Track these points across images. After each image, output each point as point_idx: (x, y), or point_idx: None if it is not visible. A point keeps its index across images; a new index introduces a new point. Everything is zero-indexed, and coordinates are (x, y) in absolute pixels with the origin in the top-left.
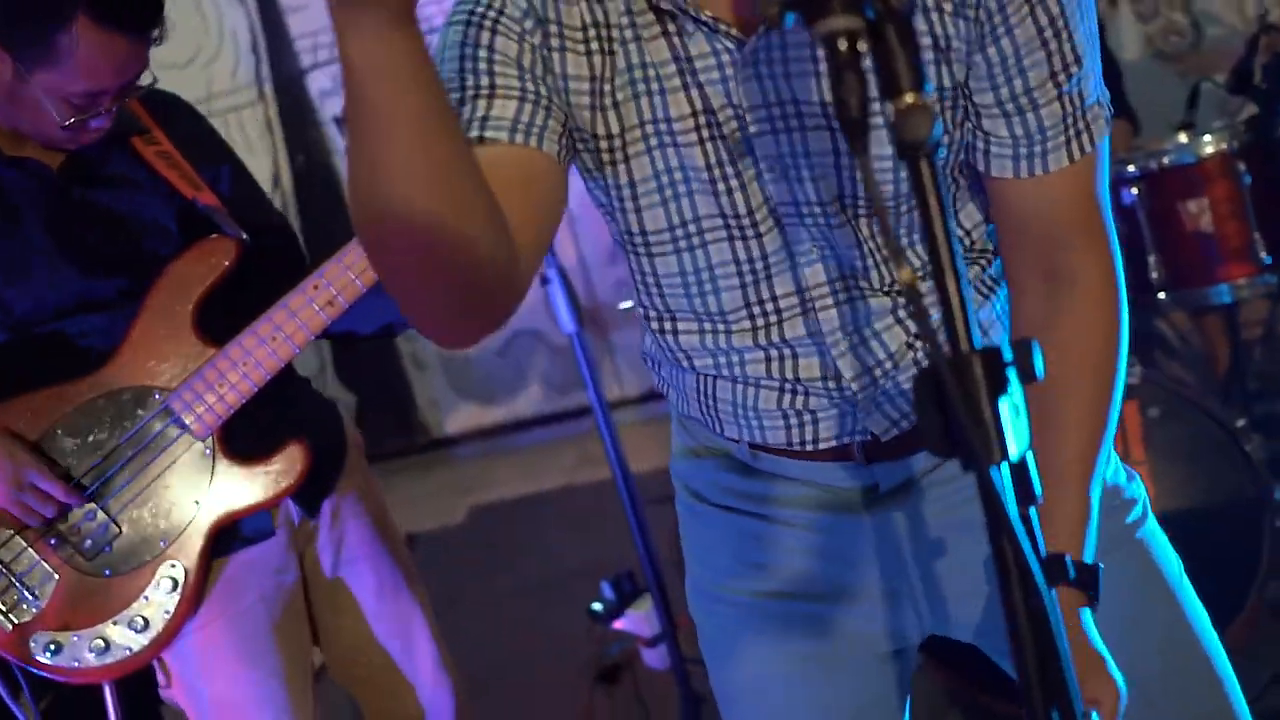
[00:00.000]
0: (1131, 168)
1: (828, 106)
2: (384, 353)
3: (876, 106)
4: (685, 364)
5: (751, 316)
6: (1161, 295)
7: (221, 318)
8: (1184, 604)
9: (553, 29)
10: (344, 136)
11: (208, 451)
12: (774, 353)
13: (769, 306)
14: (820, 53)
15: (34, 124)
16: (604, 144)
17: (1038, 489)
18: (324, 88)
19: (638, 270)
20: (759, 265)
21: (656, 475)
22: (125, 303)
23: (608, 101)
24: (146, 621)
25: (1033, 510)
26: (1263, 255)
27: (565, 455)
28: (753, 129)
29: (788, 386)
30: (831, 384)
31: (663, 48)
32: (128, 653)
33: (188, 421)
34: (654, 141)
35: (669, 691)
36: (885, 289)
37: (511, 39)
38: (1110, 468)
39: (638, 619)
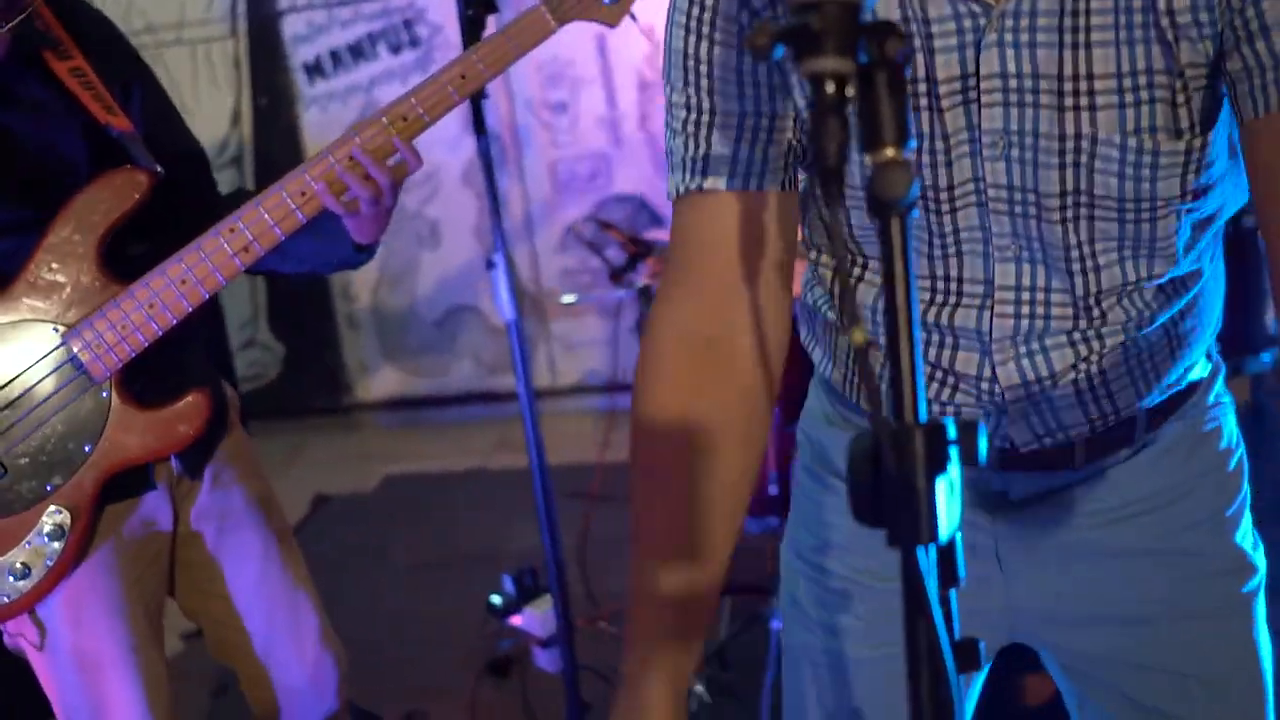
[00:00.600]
0: None
1: (1063, 82)
2: (319, 308)
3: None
4: (834, 322)
5: (932, 290)
6: None
7: (132, 255)
8: (1266, 688)
9: (779, 8)
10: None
11: (105, 394)
12: (936, 336)
13: (951, 286)
14: (1070, 23)
15: None
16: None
17: (961, 571)
18: (298, 32)
19: (830, 215)
20: (949, 242)
21: (573, 470)
22: (29, 233)
23: None
24: (27, 568)
25: (953, 593)
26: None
27: (487, 436)
28: (984, 99)
29: (939, 375)
30: (985, 385)
31: (893, 5)
32: (4, 600)
33: (85, 361)
34: None
35: (557, 694)
36: (1076, 302)
37: (727, 45)
38: (1242, 530)
39: (535, 618)
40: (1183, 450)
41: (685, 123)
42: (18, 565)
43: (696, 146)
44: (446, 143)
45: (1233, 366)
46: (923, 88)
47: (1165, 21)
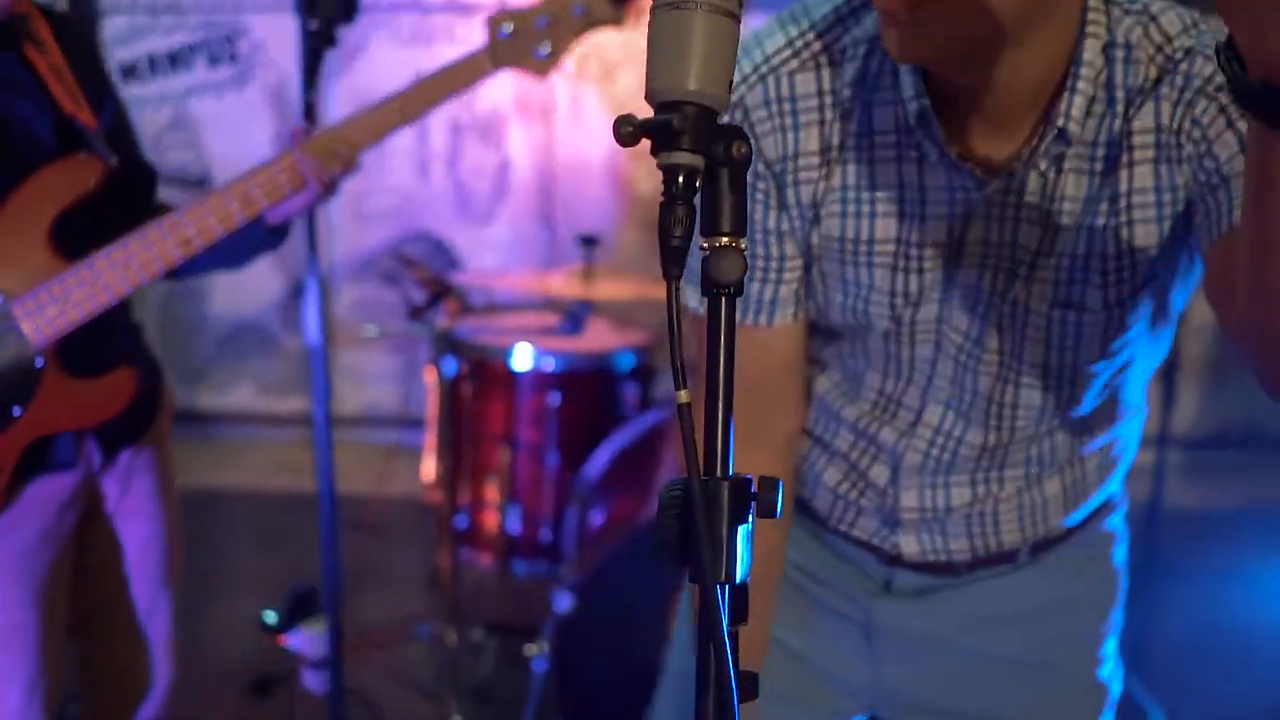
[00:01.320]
0: None
1: (1018, 251)
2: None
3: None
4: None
5: (874, 403)
6: None
7: (79, 237)
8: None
9: (788, 165)
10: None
11: (40, 362)
12: (863, 441)
13: (890, 405)
14: (1050, 202)
15: None
16: (815, 249)
17: (747, 613)
18: (118, 32)
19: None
20: (904, 368)
21: (347, 499)
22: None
23: (823, 214)
24: None
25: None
26: None
27: (260, 457)
28: (966, 260)
29: (853, 475)
30: (888, 499)
31: (890, 170)
32: None
33: (25, 329)
34: (841, 252)
35: (321, 716)
36: (984, 451)
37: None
38: (1107, 653)
39: (307, 638)
40: (1067, 571)
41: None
42: None
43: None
44: (253, 159)
45: None
46: (903, 248)
47: (1123, 205)
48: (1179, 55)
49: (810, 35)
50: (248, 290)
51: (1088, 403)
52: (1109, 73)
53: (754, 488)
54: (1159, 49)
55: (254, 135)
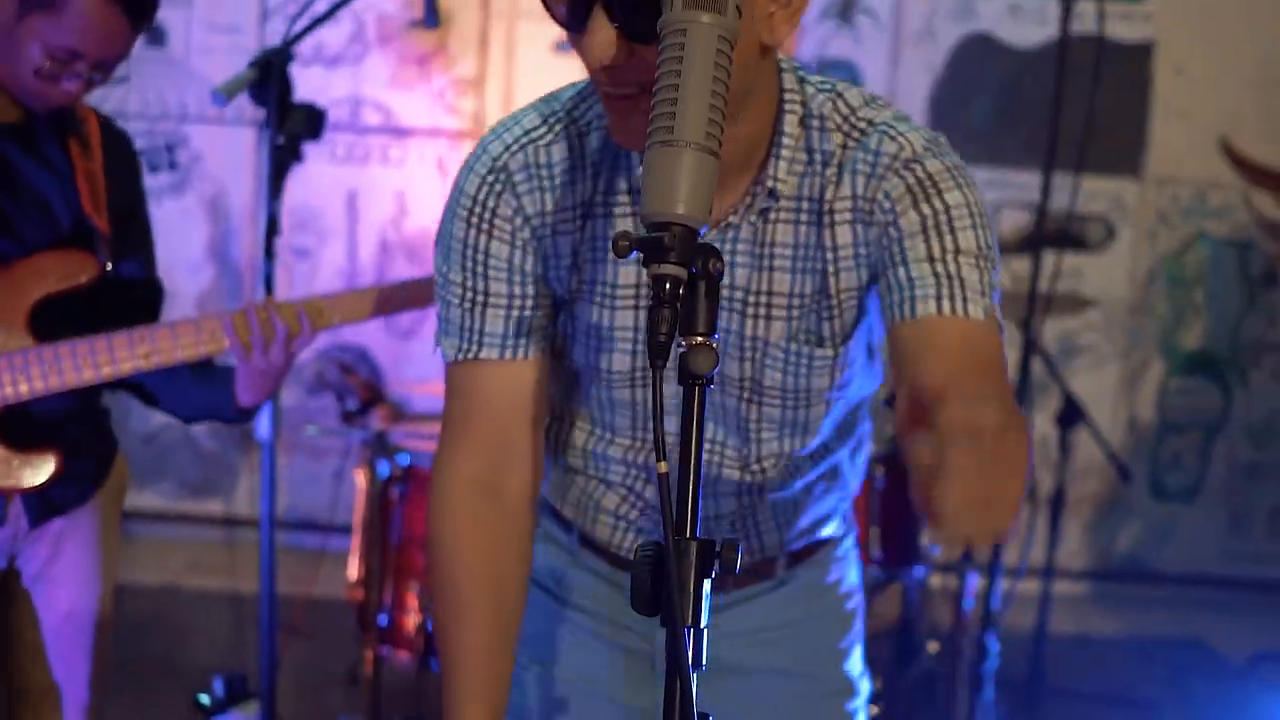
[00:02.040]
0: None
1: (750, 294)
2: None
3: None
4: (558, 457)
5: (633, 440)
6: None
7: (57, 324)
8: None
9: (546, 220)
10: None
11: None
12: (635, 471)
13: (645, 436)
14: (760, 251)
15: (12, 66)
16: (570, 292)
17: (704, 657)
18: None
19: (555, 375)
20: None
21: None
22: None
23: (579, 260)
24: None
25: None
26: (875, 550)
27: (180, 556)
28: None
29: (631, 498)
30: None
31: (629, 225)
32: None
33: None
34: (597, 299)
35: None
36: (742, 465)
37: (504, 242)
38: (853, 660)
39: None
40: (813, 591)
41: (463, 300)
42: None
43: (473, 321)
44: (187, 265)
45: (889, 576)
46: (643, 290)
47: (830, 255)
48: (863, 124)
49: (560, 113)
50: None
51: (820, 425)
52: (807, 140)
53: (718, 547)
54: (845, 118)
55: (190, 241)
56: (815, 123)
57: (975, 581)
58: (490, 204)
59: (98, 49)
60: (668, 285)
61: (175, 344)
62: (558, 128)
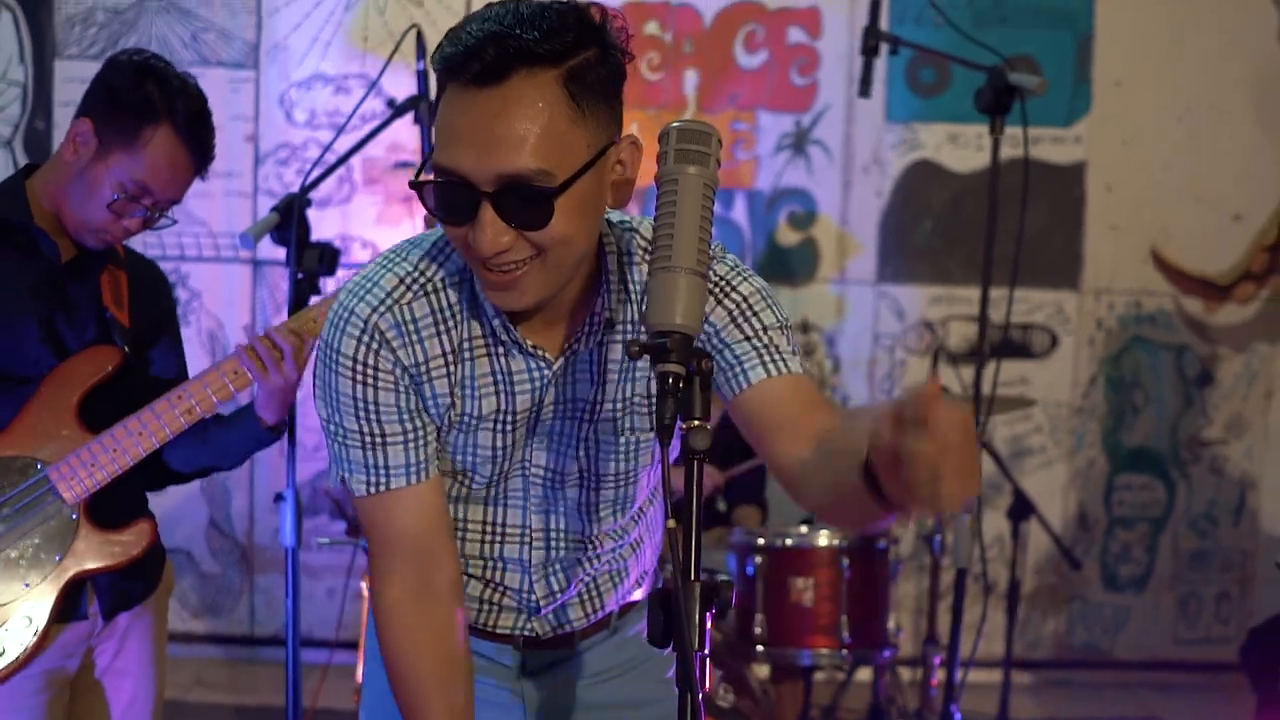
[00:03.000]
0: (760, 541)
1: (589, 404)
2: None
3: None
4: None
5: (483, 533)
6: (759, 648)
7: (101, 411)
8: None
9: (421, 368)
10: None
11: (74, 516)
12: (492, 562)
13: (498, 531)
14: (598, 367)
15: (85, 203)
16: (446, 422)
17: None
18: None
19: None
20: (500, 502)
21: (268, 712)
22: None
23: (453, 399)
24: (3, 649)
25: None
26: (845, 635)
27: (184, 673)
28: (545, 416)
29: (491, 585)
30: (525, 595)
31: (485, 363)
32: None
33: (61, 490)
34: (461, 425)
35: None
36: (583, 539)
37: (389, 389)
38: None
39: None
40: (638, 636)
41: (363, 443)
42: None
43: (377, 460)
44: None
45: (858, 658)
46: (503, 416)
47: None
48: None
49: (415, 272)
50: (176, 520)
51: (636, 495)
52: (623, 274)
53: (717, 589)
54: (645, 250)
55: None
56: (627, 259)
57: (937, 664)
58: (370, 361)
59: (164, 188)
60: (670, 379)
61: (207, 392)
62: (415, 287)
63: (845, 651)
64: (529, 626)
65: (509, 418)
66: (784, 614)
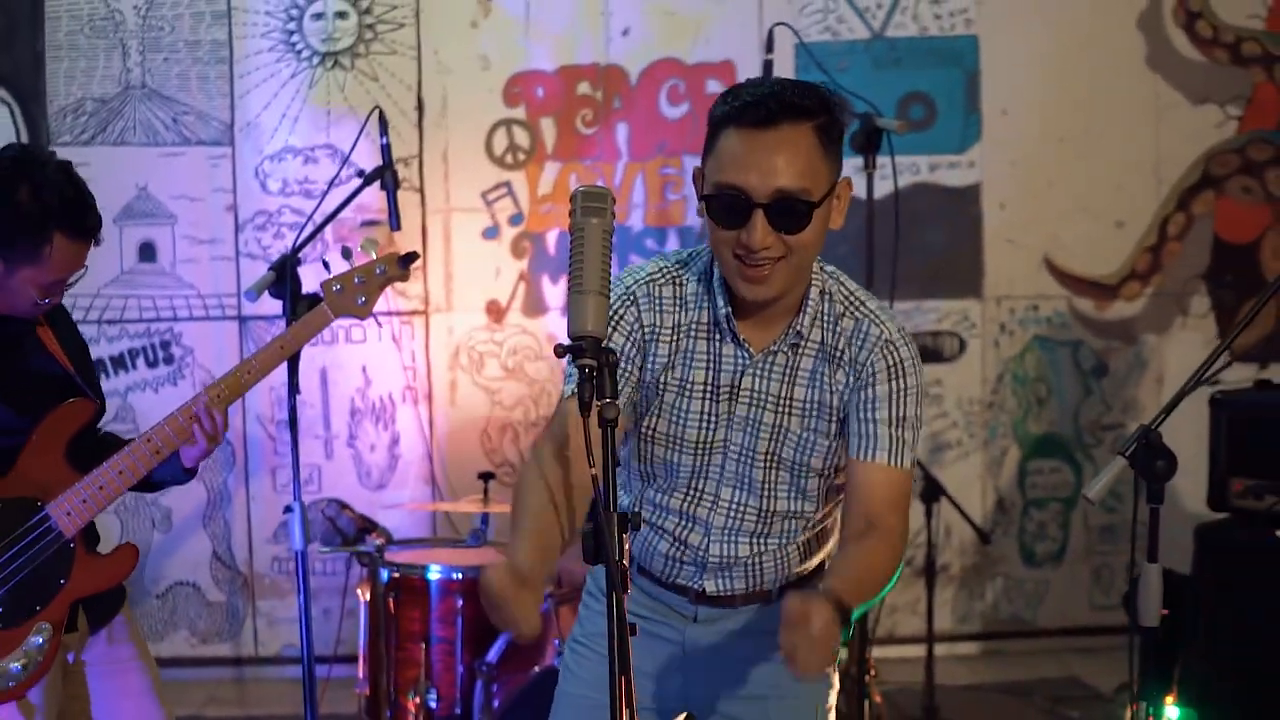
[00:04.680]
0: None
1: (779, 399)
2: None
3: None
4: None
5: (688, 491)
6: None
7: (82, 454)
8: None
9: (654, 330)
10: None
11: (71, 545)
12: (686, 519)
13: (696, 493)
14: (790, 370)
15: (13, 302)
16: (659, 383)
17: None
18: None
19: (643, 449)
20: (703, 473)
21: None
22: (25, 431)
23: (672, 363)
24: (26, 665)
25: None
26: None
27: (198, 694)
28: (740, 400)
29: (679, 543)
30: (700, 554)
31: (704, 344)
32: (12, 683)
33: (60, 524)
34: (678, 389)
35: None
36: (758, 518)
37: (624, 336)
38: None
39: None
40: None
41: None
42: (17, 664)
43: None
44: None
45: None
46: (710, 388)
47: (829, 383)
48: (857, 304)
49: (670, 268)
50: (183, 555)
51: (817, 493)
52: (821, 304)
53: (630, 516)
54: (846, 297)
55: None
56: (827, 295)
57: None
58: (620, 312)
59: (73, 269)
60: (588, 370)
61: (169, 434)
62: (666, 276)
63: None
64: (700, 583)
65: (714, 391)
66: None
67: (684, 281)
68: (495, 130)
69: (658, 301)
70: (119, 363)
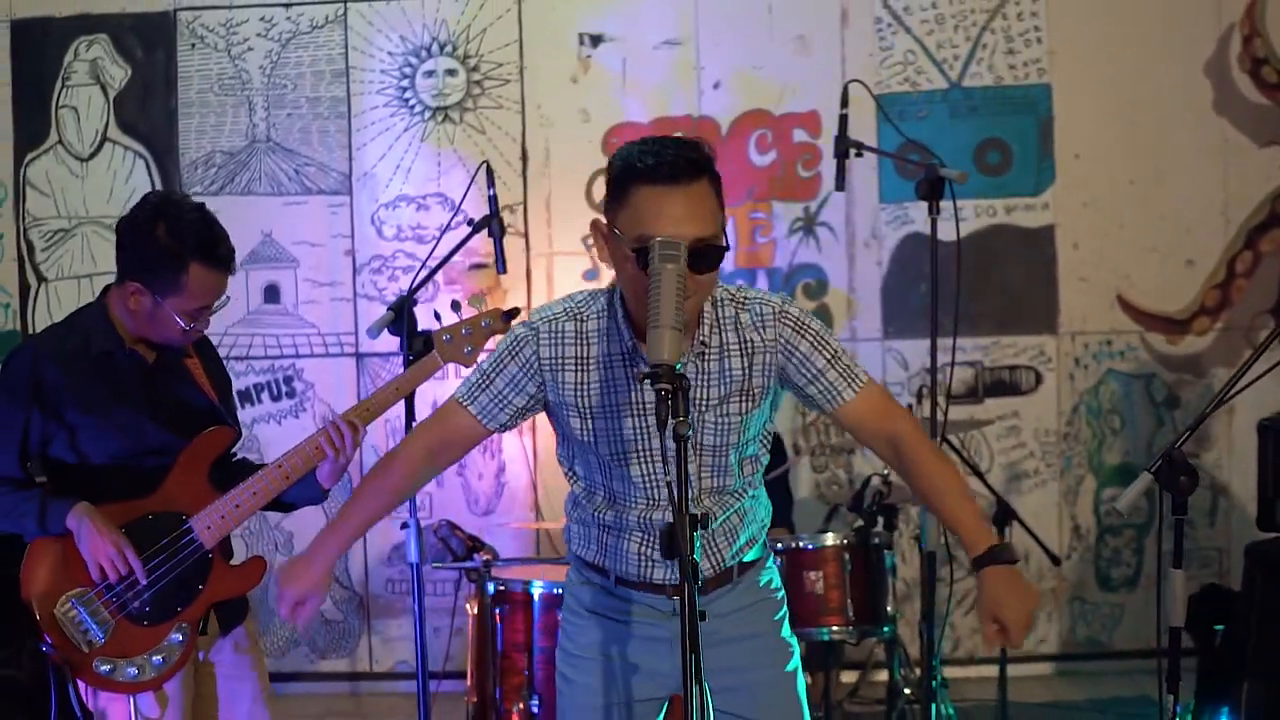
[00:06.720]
0: (779, 545)
1: (696, 403)
2: None
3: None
4: (595, 521)
5: (646, 499)
6: None
7: (223, 475)
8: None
9: (555, 362)
10: None
11: (210, 556)
12: (645, 522)
13: (652, 503)
14: (701, 376)
15: (162, 333)
16: (576, 410)
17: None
18: None
19: (589, 469)
20: (650, 473)
21: None
22: (175, 452)
23: (583, 392)
24: (165, 659)
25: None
26: (850, 614)
27: (316, 706)
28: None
29: (647, 543)
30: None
31: (621, 371)
32: (153, 674)
33: (201, 537)
34: (606, 414)
35: None
36: (698, 500)
37: (515, 363)
38: (785, 630)
39: None
40: (753, 589)
41: (482, 380)
42: (158, 657)
43: (479, 393)
44: None
45: (863, 632)
46: (639, 407)
47: (736, 370)
48: (738, 296)
49: (572, 307)
50: None
51: (733, 464)
52: (714, 312)
53: (700, 518)
54: (730, 297)
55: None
56: (715, 302)
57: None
58: (521, 346)
59: (213, 298)
60: (663, 393)
61: (301, 464)
62: (571, 313)
63: (851, 627)
64: (672, 577)
65: (640, 408)
66: (801, 601)
67: (585, 317)
68: (595, 179)
69: (559, 336)
70: (245, 396)
